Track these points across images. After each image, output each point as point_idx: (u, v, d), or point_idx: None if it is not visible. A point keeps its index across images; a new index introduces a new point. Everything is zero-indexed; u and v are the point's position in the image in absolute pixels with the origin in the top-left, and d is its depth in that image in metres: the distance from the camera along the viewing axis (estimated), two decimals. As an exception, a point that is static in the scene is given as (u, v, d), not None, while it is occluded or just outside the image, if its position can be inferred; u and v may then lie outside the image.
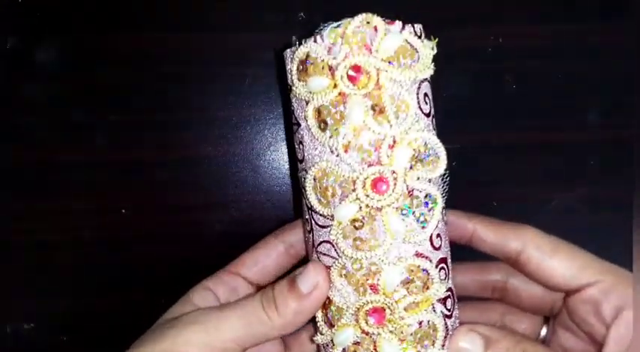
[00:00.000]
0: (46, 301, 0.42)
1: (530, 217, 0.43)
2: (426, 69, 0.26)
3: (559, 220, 0.43)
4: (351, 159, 0.25)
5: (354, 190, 0.25)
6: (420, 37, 0.27)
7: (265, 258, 0.33)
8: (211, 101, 0.41)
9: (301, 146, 0.28)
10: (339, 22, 0.26)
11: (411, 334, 0.26)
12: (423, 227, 0.26)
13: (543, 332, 0.34)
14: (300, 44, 0.27)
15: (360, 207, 0.26)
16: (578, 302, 0.30)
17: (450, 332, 0.28)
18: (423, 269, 0.26)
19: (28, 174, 0.41)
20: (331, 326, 0.28)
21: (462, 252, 0.32)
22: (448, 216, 0.30)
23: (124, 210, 0.41)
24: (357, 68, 0.25)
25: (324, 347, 0.29)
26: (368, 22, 0.25)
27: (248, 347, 0.28)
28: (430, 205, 0.26)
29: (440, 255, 0.27)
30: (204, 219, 0.42)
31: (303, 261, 0.32)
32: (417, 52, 0.26)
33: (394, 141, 0.25)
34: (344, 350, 0.27)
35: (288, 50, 0.28)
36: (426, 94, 0.27)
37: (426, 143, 0.26)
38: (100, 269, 0.42)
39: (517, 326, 0.34)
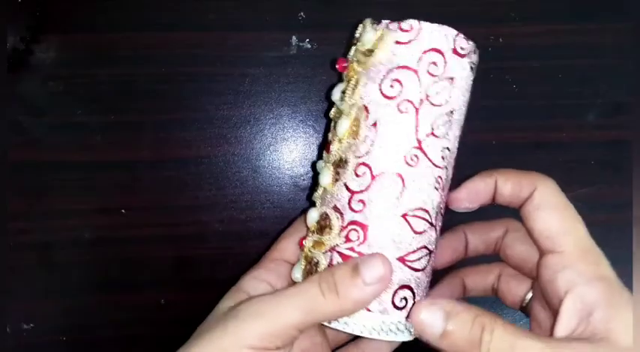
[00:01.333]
0: (45, 301, 0.42)
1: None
2: (383, 56, 0.30)
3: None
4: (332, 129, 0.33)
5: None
6: (408, 32, 0.31)
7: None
8: (211, 101, 0.42)
9: None
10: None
11: (310, 264, 0.31)
12: (340, 186, 0.31)
13: (529, 296, 0.34)
14: None
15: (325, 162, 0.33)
16: (543, 267, 0.30)
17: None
18: (329, 219, 0.31)
19: (28, 174, 0.41)
20: None
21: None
22: (475, 179, 0.33)
23: (123, 210, 0.41)
24: (342, 60, 0.33)
25: None
26: (361, 23, 0.32)
27: (305, 329, 0.28)
28: (344, 171, 0.31)
29: (356, 217, 0.30)
30: (204, 219, 0.42)
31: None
32: (380, 43, 0.31)
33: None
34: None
35: None
36: (396, 80, 0.30)
37: (356, 118, 0.31)
38: (100, 269, 0.42)
39: (508, 289, 0.35)
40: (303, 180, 0.43)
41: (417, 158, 0.30)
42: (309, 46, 0.42)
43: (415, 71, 0.30)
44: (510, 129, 0.43)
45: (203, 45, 0.41)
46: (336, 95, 0.32)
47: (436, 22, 0.31)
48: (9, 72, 0.40)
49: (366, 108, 0.30)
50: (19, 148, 0.41)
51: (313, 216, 0.32)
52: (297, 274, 0.32)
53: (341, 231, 0.30)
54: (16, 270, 0.41)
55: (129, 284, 0.42)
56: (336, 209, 0.31)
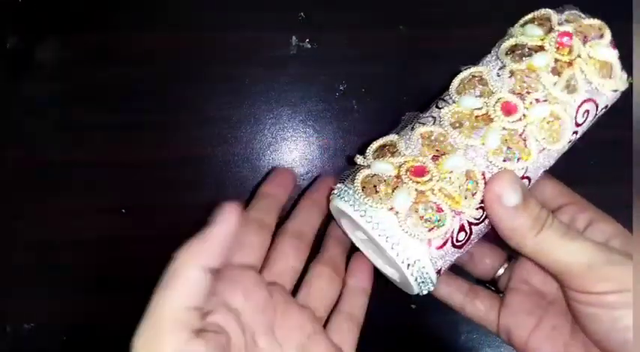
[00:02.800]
0: (46, 301, 0.42)
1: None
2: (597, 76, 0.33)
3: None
4: None
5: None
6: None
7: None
8: (211, 101, 0.41)
9: None
10: None
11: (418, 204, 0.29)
12: (504, 161, 0.29)
13: (500, 271, 0.38)
14: None
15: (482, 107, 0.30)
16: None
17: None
18: (477, 184, 0.29)
19: (29, 174, 0.41)
20: None
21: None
22: None
23: (124, 210, 0.41)
24: (568, 34, 0.32)
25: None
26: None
27: None
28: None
29: None
30: (204, 219, 0.42)
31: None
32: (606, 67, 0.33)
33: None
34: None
35: None
36: (587, 111, 0.32)
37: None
38: (100, 269, 0.42)
39: (483, 261, 0.38)
40: (303, 179, 0.43)
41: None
42: (309, 46, 0.42)
43: (595, 109, 0.32)
44: (510, 129, 0.43)
45: (203, 45, 0.41)
46: (541, 62, 0.30)
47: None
48: (9, 72, 0.40)
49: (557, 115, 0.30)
50: (19, 148, 0.41)
51: (460, 164, 0.29)
52: (403, 201, 0.29)
53: (477, 208, 0.29)
54: (16, 270, 0.41)
55: (129, 285, 0.42)
56: (484, 178, 0.29)
